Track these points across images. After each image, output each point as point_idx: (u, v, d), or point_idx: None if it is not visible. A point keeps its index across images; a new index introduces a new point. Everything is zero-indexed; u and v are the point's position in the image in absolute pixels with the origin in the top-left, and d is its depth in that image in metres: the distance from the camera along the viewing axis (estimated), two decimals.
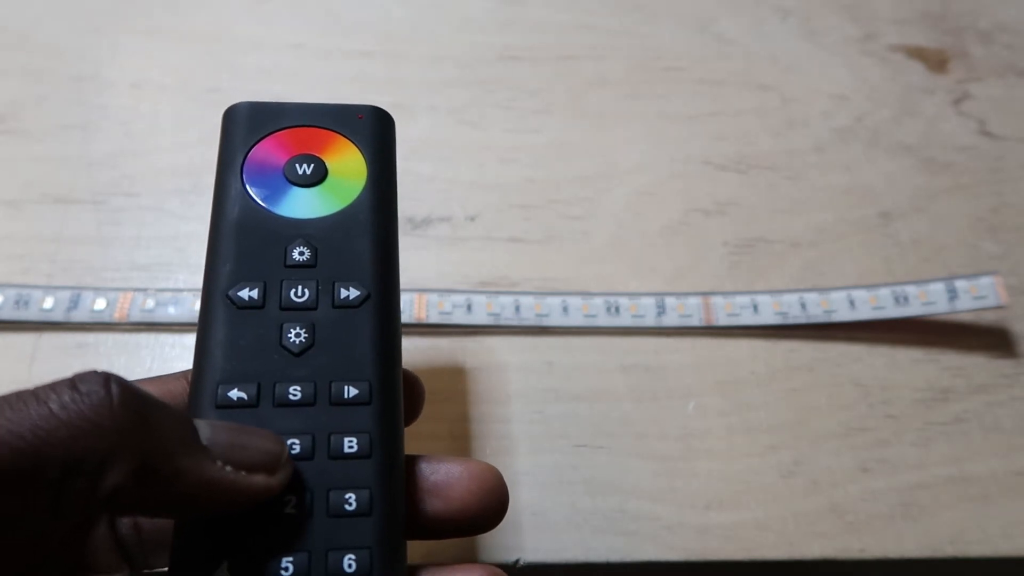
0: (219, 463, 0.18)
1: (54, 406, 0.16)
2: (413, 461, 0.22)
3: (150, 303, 0.33)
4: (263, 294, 0.22)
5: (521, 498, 0.31)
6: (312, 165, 0.24)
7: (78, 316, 0.33)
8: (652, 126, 0.41)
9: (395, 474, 0.21)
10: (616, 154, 0.40)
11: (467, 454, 0.31)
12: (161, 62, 0.41)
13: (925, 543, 0.31)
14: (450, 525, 0.22)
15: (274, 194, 0.24)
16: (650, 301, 0.35)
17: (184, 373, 0.23)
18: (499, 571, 0.21)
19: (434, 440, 0.31)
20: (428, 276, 0.35)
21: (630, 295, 0.35)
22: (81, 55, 0.41)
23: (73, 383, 0.16)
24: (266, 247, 0.23)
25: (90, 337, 0.33)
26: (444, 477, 0.22)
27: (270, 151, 0.25)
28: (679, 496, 0.31)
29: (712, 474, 0.31)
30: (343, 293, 0.22)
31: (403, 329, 0.34)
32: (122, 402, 0.17)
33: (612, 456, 0.32)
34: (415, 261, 0.36)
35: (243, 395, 0.20)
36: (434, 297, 0.34)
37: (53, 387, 0.16)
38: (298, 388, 0.21)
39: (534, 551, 0.30)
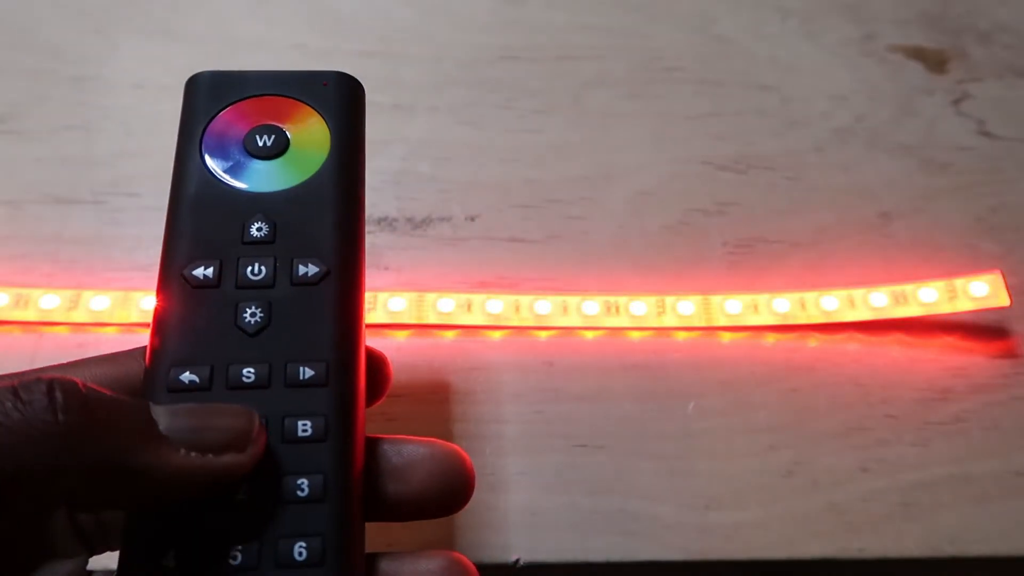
0: (183, 450, 0.17)
1: None
2: (376, 443, 0.22)
3: (150, 303, 0.33)
4: (219, 272, 0.21)
5: (520, 498, 0.31)
6: (273, 136, 0.23)
7: (78, 316, 0.33)
8: (652, 126, 0.41)
9: (351, 458, 0.20)
10: (616, 154, 0.40)
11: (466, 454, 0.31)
12: (161, 62, 0.41)
13: (925, 543, 0.31)
14: (411, 507, 0.21)
15: (234, 167, 0.23)
16: (650, 301, 0.35)
17: (141, 351, 0.22)
18: (463, 558, 0.21)
19: None
20: (428, 276, 0.35)
21: (630, 295, 0.35)
22: (81, 55, 0.41)
23: (15, 391, 0.16)
24: (223, 223, 0.22)
25: (90, 337, 0.33)
26: (406, 459, 0.21)
27: (231, 122, 0.24)
28: (679, 496, 0.31)
29: (712, 474, 0.31)
30: (301, 270, 0.21)
31: (403, 330, 0.34)
32: (66, 407, 0.16)
33: (612, 456, 0.32)
34: (415, 261, 0.36)
35: (195, 378, 0.20)
36: (434, 297, 0.34)
37: None
38: (252, 370, 0.20)
39: (534, 551, 0.30)
